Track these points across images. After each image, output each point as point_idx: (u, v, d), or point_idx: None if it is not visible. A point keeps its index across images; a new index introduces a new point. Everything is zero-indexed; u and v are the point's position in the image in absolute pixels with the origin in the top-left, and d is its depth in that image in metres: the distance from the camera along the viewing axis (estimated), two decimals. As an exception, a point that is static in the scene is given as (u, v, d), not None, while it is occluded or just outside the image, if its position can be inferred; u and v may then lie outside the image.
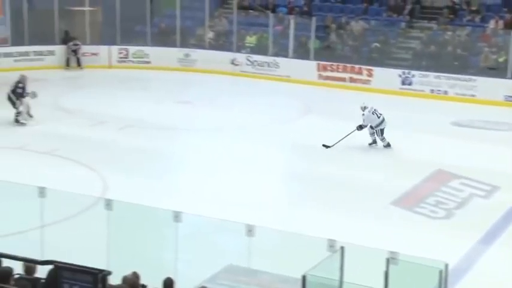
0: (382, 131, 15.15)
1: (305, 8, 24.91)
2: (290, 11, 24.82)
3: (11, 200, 10.66)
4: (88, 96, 19.84)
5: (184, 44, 24.33)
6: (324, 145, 15.07)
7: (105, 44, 23.91)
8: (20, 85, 16.49)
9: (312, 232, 8.62)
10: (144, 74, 23.08)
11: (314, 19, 23.35)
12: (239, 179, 13.31)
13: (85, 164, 13.58)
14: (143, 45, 24.28)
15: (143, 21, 24.20)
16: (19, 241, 9.49)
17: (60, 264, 5.24)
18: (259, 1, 25.80)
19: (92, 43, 23.89)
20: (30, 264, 6.33)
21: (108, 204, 8.01)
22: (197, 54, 23.92)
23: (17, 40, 23.04)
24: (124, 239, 9.31)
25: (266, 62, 23.20)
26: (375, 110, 15.15)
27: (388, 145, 15.19)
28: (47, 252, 7.24)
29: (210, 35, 24.88)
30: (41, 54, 23.17)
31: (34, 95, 16.51)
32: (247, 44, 24.35)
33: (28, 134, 15.47)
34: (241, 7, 25.18)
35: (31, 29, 22.82)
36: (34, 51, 23.04)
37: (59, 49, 23.31)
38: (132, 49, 24.13)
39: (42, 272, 6.32)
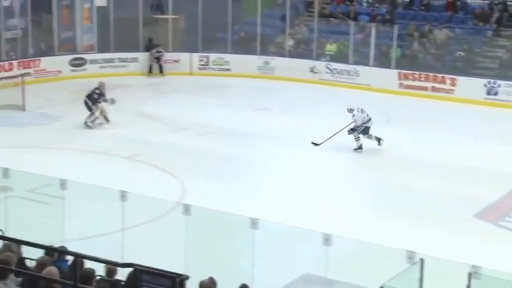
0: (367, 129, 15.37)
1: (387, 16, 24.63)
2: (372, 19, 24.59)
3: (95, 203, 11.00)
4: (169, 102, 20.22)
5: (264, 52, 24.46)
6: (312, 143, 15.51)
7: (186, 51, 24.33)
8: (97, 91, 17.06)
9: (391, 243, 8.50)
10: (224, 81, 23.32)
11: (396, 27, 23.04)
12: (316, 186, 13.26)
13: (165, 170, 13.84)
14: (223, 53, 24.56)
15: (224, 28, 24.48)
16: (101, 243, 9.77)
17: (139, 267, 5.35)
18: (341, 9, 25.68)
19: (174, 50, 24.35)
20: (111, 266, 6.50)
21: (187, 209, 8.15)
22: (277, 61, 24.00)
23: (103, 47, 23.74)
24: (201, 244, 9.44)
25: (346, 70, 23.05)
26: (362, 109, 15.48)
27: (379, 139, 15.39)
28: (127, 255, 7.42)
29: (290, 42, 24.93)
30: (125, 61, 23.78)
31: (113, 101, 17.09)
32: (327, 52, 24.27)
33: (112, 139, 15.90)
34: (322, 15, 25.12)
35: (116, 37, 23.45)
36: (119, 58, 23.67)
37: (143, 56, 23.86)
38: (213, 56, 24.43)
39: (122, 274, 6.48)
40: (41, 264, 6.20)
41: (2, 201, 10.09)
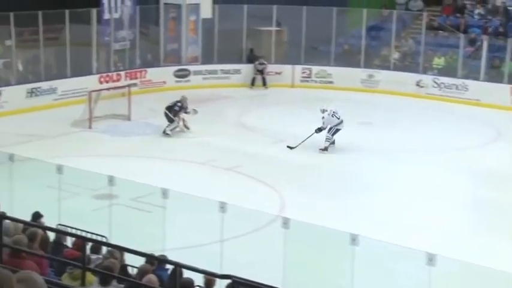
0: (337, 130, 16.20)
1: (501, 29, 23.83)
2: (484, 32, 23.86)
3: (195, 213, 11.23)
4: (270, 114, 20.37)
5: (368, 65, 24.24)
6: (288, 146, 16.15)
7: (289, 64, 24.47)
8: (178, 104, 17.57)
9: (497, 265, 8.18)
10: (326, 94, 23.26)
11: (510, 40, 22.26)
12: (419, 203, 12.97)
13: (265, 182, 13.93)
14: (326, 65, 24.53)
15: (327, 41, 24.47)
16: (200, 253, 9.93)
17: (237, 279, 5.40)
18: (450, 21, 25.09)
19: (277, 62, 24.55)
20: (209, 277, 6.59)
21: (285, 222, 8.14)
22: (381, 75, 23.72)
23: (207, 59, 24.25)
24: (300, 258, 9.42)
25: (454, 85, 22.46)
26: (334, 112, 16.27)
27: (332, 143, 16.25)
28: (226, 266, 7.51)
29: (396, 55, 24.58)
30: (228, 73, 24.18)
31: (195, 111, 17.65)
32: (434, 66, 23.75)
33: (213, 149, 16.17)
34: (431, 27, 24.63)
35: (220, 48, 23.90)
36: (221, 70, 24.11)
37: (245, 68, 24.18)
38: (315, 69, 24.45)
39: (220, 285, 6.56)
40: (142, 272, 6.37)
41: (107, 208, 10.46)
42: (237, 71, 24.14)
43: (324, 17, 23.76)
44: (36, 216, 8.74)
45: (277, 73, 24.33)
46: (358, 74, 23.87)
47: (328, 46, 24.60)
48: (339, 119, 16.24)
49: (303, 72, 24.44)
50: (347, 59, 24.74)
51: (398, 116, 20.39)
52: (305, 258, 9.62)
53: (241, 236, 10.95)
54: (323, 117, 16.11)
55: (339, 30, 24.54)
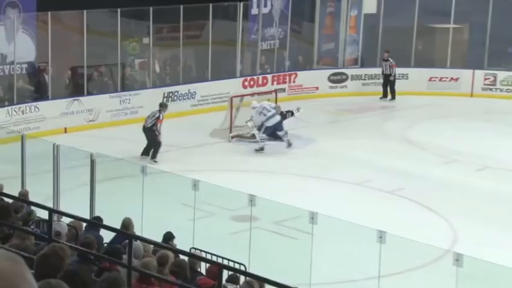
0: (268, 129, 17.34)
1: None
2: None
3: (348, 242, 11.28)
4: (443, 128, 20.02)
5: None
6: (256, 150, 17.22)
7: (469, 68, 23.94)
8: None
9: None
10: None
11: None
12: None
13: (432, 209, 13.75)
14: (515, 71, 23.81)
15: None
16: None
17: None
18: None
19: (453, 66, 24.10)
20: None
21: (458, 259, 8.02)
22: None
23: (368, 61, 24.23)
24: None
25: None
26: (264, 108, 17.53)
27: (289, 144, 17.49)
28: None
29: None
30: (392, 78, 24.00)
31: (298, 109, 18.52)
32: None
33: (371, 168, 16.15)
34: None
35: (384, 49, 23.77)
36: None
37: (414, 72, 23.91)
38: (502, 75, 23.76)
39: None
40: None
41: (246, 232, 10.75)
42: (404, 76, 23.93)
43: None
44: (168, 237, 9.16)
45: (453, 79, 23.90)
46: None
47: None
48: (265, 115, 17.32)
49: (486, 79, 23.84)
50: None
51: None
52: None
53: (403, 273, 10.88)
54: (251, 116, 17.54)
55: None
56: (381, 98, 22.88)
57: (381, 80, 23.43)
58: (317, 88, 23.44)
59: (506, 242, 12.28)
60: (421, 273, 11.07)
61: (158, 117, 16.34)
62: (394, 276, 10.40)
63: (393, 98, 22.94)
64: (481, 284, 9.72)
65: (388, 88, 23.08)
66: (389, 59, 22.78)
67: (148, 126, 16.41)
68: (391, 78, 22.88)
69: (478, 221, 13.22)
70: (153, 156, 16.24)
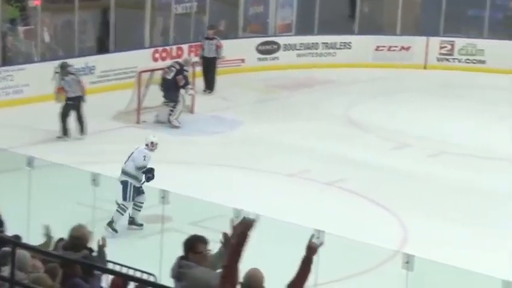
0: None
1: None
2: None
3: (280, 244, 11.42)
4: (391, 107, 20.27)
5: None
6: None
7: (422, 35, 24.30)
8: (186, 70, 18.50)
9: None
10: (475, 79, 22.99)
11: None
12: None
13: (379, 203, 14.02)
14: (476, 37, 24.25)
15: (479, 2, 24.20)
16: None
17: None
18: None
19: (403, 33, 24.43)
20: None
21: (409, 261, 8.22)
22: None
23: (304, 28, 24.39)
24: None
25: None
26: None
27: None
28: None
29: None
30: (333, 47, 24.20)
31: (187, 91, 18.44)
32: None
33: (308, 156, 16.28)
34: None
35: (322, 14, 23.93)
36: (324, 43, 24.11)
37: (357, 41, 24.15)
38: (460, 42, 24.20)
39: None
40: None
41: (157, 235, 10.78)
42: (346, 45, 24.17)
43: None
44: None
45: (404, 48, 24.23)
46: (524, 50, 23.49)
47: (480, 10, 24.33)
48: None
49: (442, 47, 24.26)
50: (507, 28, 24.40)
51: None
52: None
53: (344, 279, 11.09)
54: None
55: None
56: (204, 90, 21.08)
57: (321, 50, 23.70)
58: (243, 60, 23.47)
59: (463, 240, 12.64)
60: (365, 278, 11.30)
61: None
62: (334, 284, 10.59)
63: (211, 89, 21.14)
64: (432, 283, 10.01)
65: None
66: (215, 37, 21.66)
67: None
68: (217, 62, 21.39)
69: (432, 216, 13.53)
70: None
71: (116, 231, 12.32)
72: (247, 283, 6.55)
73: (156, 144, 13.11)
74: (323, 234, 8.98)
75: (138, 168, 12.64)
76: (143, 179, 12.61)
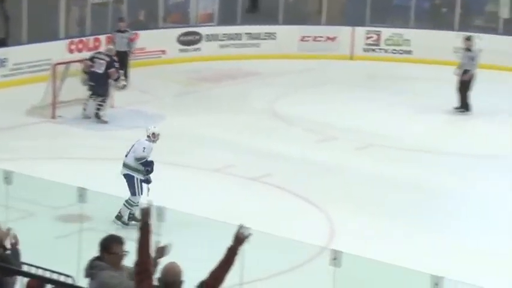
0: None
1: None
2: None
3: (203, 243, 11.36)
4: (317, 99, 20.41)
5: (464, 26, 24.14)
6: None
7: (347, 25, 24.48)
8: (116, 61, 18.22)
9: None
10: (401, 69, 23.22)
11: None
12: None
13: (305, 198, 14.02)
14: (403, 27, 24.50)
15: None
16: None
17: None
18: None
19: (329, 23, 24.57)
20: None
21: (336, 257, 8.22)
22: (485, 41, 23.52)
23: (226, 18, 24.36)
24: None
25: None
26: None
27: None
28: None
29: (506, 12, 24.45)
30: (257, 38, 24.26)
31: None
32: None
33: (232, 150, 16.28)
34: None
35: (245, 3, 23.93)
36: (247, 34, 24.18)
37: (282, 31, 24.22)
38: (387, 32, 24.42)
39: None
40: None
41: (75, 235, 10.63)
42: (270, 36, 24.23)
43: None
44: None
45: (329, 38, 24.38)
46: (450, 40, 23.72)
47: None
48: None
49: (368, 38, 24.47)
50: (434, 18, 24.68)
51: (503, 103, 20.30)
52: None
53: (269, 278, 11.07)
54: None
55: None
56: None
57: (244, 41, 23.73)
58: (163, 52, 23.47)
59: (392, 235, 12.70)
60: (292, 276, 11.28)
61: None
62: (259, 282, 10.56)
63: (123, 86, 20.12)
64: (362, 285, 10.01)
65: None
66: (127, 29, 21.27)
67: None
68: (129, 56, 20.93)
69: (360, 211, 13.59)
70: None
71: (126, 224, 12.43)
72: (164, 277, 6.50)
73: (158, 134, 13.12)
74: (247, 231, 8.96)
75: (137, 160, 12.68)
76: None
